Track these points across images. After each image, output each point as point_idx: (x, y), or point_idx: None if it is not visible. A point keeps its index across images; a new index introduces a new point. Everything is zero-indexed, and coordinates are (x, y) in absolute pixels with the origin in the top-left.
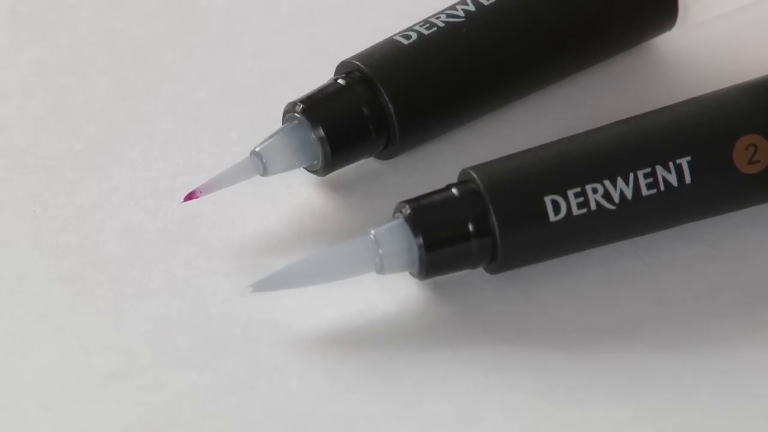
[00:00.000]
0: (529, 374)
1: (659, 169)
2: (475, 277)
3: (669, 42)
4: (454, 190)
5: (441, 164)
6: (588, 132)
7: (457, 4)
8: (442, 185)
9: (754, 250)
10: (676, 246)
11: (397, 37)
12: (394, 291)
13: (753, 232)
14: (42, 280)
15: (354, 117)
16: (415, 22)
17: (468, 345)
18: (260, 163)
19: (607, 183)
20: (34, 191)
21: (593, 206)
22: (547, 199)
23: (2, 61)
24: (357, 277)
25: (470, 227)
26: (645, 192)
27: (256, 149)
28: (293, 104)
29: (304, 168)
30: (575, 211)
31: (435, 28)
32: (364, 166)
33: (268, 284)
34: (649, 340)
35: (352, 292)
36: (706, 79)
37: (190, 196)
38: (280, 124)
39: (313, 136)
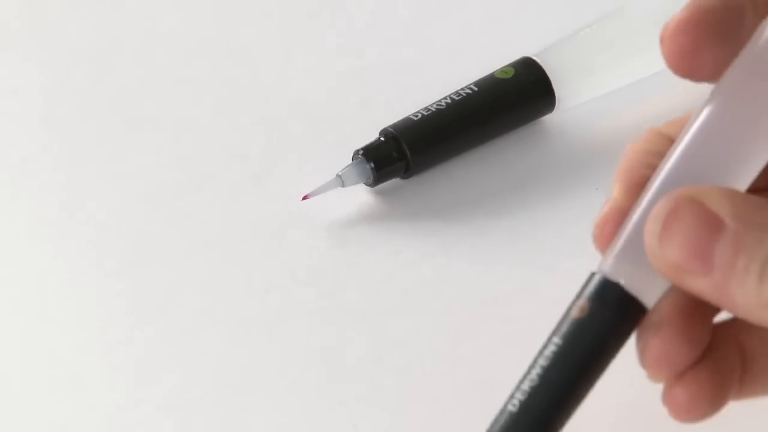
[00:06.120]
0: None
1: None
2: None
3: (550, 121)
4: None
5: (437, 182)
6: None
7: (441, 99)
8: (433, 186)
9: None
10: None
11: (411, 116)
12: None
13: None
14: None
15: (389, 157)
16: (420, 107)
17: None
18: (341, 180)
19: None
20: (165, 195)
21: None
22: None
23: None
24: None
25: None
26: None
27: (339, 173)
28: (357, 151)
29: (363, 183)
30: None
31: (431, 111)
32: (393, 182)
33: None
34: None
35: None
36: (579, 146)
37: (305, 197)
38: (350, 161)
39: (368, 166)
